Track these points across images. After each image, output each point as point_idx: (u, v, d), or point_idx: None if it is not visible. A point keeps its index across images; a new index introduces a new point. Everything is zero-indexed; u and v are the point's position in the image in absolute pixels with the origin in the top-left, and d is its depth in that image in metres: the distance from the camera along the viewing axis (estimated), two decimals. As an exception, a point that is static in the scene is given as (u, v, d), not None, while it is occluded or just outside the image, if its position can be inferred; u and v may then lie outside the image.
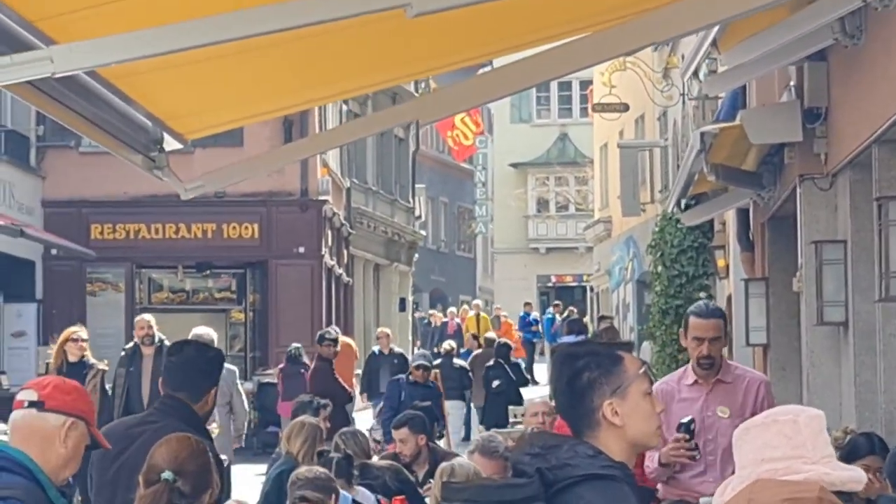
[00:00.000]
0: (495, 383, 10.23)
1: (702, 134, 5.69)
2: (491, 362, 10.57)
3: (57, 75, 1.97)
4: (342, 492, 3.88)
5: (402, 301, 19.46)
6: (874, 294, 4.15)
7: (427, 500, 4.33)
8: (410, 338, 19.54)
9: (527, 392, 10.50)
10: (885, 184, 4.06)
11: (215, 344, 6.12)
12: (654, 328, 10.74)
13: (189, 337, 5.57)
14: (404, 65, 3.05)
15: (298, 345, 10.10)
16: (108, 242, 13.52)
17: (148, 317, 7.12)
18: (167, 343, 6.82)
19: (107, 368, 6.66)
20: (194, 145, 3.22)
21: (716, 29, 4.20)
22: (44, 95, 2.19)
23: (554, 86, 27.97)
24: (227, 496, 5.30)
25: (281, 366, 10.12)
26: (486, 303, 23.84)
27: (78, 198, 13.41)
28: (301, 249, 13.67)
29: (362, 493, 4.24)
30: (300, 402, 6.28)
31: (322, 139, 6.01)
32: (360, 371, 11.16)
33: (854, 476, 1.60)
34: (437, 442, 6.68)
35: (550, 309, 21.82)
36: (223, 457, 2.99)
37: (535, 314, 20.79)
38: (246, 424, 7.18)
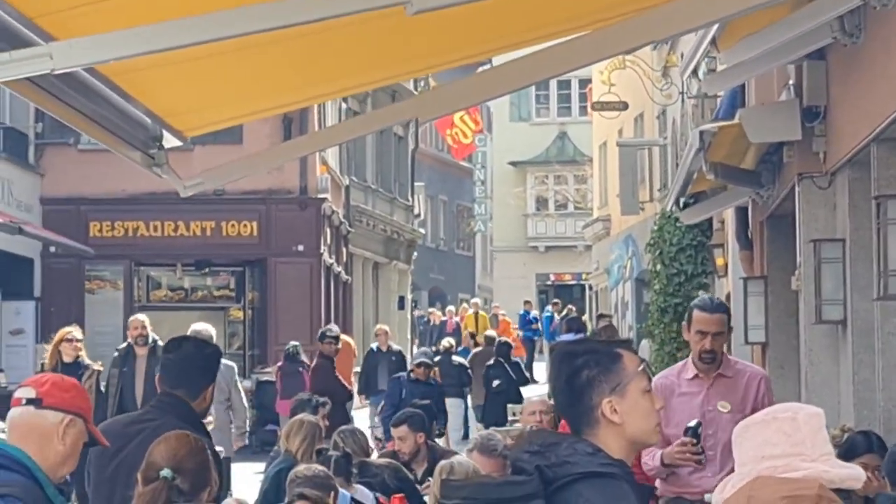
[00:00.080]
0: (496, 382, 10.23)
1: (701, 132, 5.69)
2: (491, 361, 10.57)
3: (56, 72, 1.97)
4: (341, 490, 3.88)
5: (401, 299, 19.47)
6: (872, 292, 4.15)
7: (426, 498, 4.33)
8: (409, 336, 19.54)
9: (526, 391, 10.51)
10: (884, 182, 4.07)
11: (214, 340, 6.11)
12: (653, 326, 10.75)
13: (188, 333, 5.55)
14: (404, 62, 3.05)
15: (296, 343, 10.10)
16: (107, 240, 13.51)
17: (142, 317, 7.09)
18: (161, 343, 6.81)
19: (102, 369, 6.64)
20: (194, 143, 3.22)
21: (715, 27, 4.20)
22: (43, 92, 2.19)
23: (553, 84, 27.97)
24: (227, 493, 5.30)
25: (279, 364, 10.12)
26: (486, 301, 23.84)
27: (77, 195, 13.40)
28: (300, 247, 13.67)
29: (361, 491, 4.24)
30: (299, 400, 6.28)
31: (321, 137, 6.01)
32: (358, 369, 11.16)
33: (853, 474, 1.61)
34: (438, 440, 6.69)
35: (549, 307, 21.83)
36: (219, 448, 2.98)
37: (534, 312, 20.78)
38: (248, 421, 7.13)
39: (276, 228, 13.72)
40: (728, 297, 8.09)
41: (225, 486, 5.48)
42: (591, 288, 22.66)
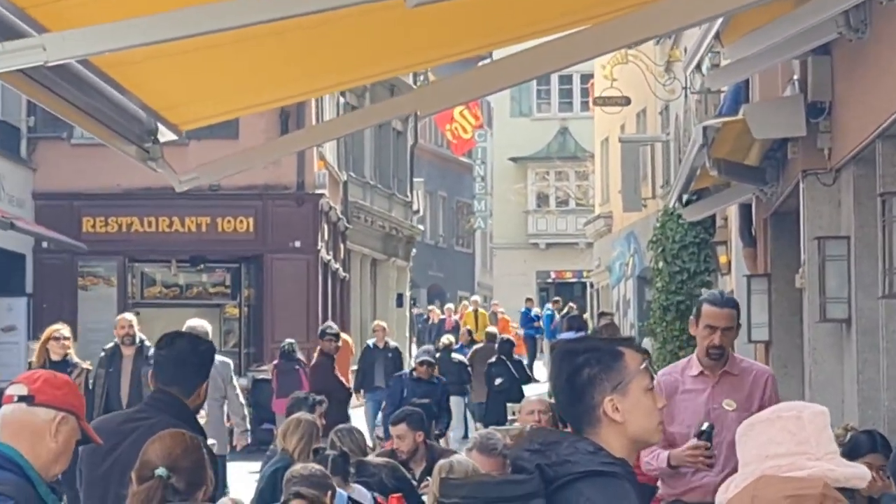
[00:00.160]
0: (498, 381, 10.22)
1: (704, 128, 5.69)
2: (493, 359, 10.56)
3: (49, 64, 1.96)
4: (338, 489, 3.89)
5: (400, 297, 19.46)
6: (877, 291, 4.15)
7: (424, 498, 4.33)
8: (408, 334, 19.54)
9: (528, 389, 10.51)
10: (890, 179, 4.07)
11: (210, 337, 6.10)
12: (655, 325, 10.75)
13: (183, 329, 5.54)
14: (403, 56, 3.04)
15: (292, 340, 10.10)
16: (101, 236, 13.49)
17: (129, 316, 7.07)
18: (148, 343, 6.80)
19: (91, 368, 6.62)
20: (189, 137, 3.21)
21: (719, 22, 4.20)
22: (36, 84, 2.19)
23: (554, 79, 27.95)
24: (223, 492, 5.30)
25: (275, 362, 10.12)
26: (485, 299, 23.84)
27: (70, 190, 13.39)
28: (297, 244, 13.66)
29: (358, 490, 4.24)
30: (295, 398, 6.29)
31: (319, 131, 6.00)
32: (355, 367, 11.16)
33: (858, 473, 1.61)
34: (439, 441, 6.68)
35: (549, 305, 21.85)
36: (211, 441, 2.98)
37: (536, 310, 20.80)
38: (247, 419, 7.09)
39: (273, 224, 13.71)
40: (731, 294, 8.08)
41: (220, 486, 5.48)
42: (592, 286, 22.67)
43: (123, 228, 13.64)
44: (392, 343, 10.94)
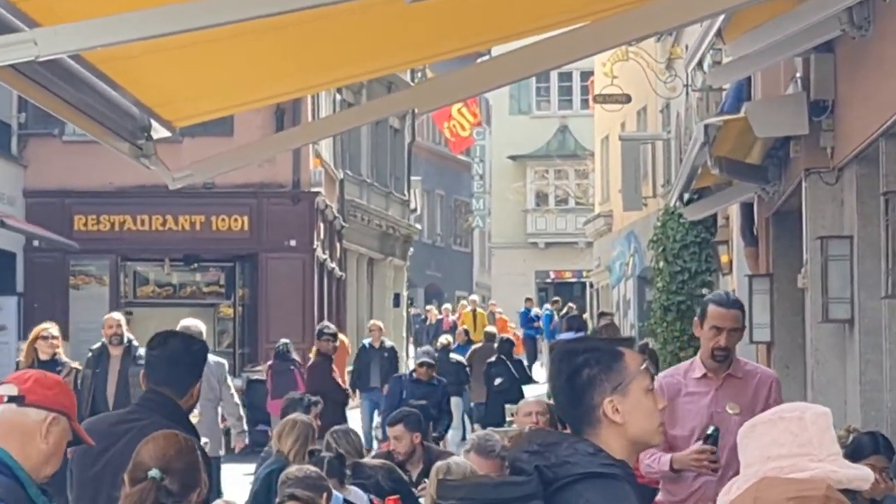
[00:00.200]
0: (497, 381, 10.20)
1: (705, 126, 5.70)
2: (493, 358, 10.55)
3: (41, 59, 1.96)
4: (334, 492, 3.89)
5: (397, 296, 19.46)
6: (880, 291, 4.16)
7: (421, 500, 4.33)
8: (404, 335, 19.55)
9: (528, 391, 10.49)
10: (893, 178, 4.07)
11: (204, 337, 6.10)
12: (656, 325, 10.76)
13: (177, 329, 5.53)
14: (401, 52, 3.04)
15: (287, 340, 10.09)
16: (93, 234, 13.48)
17: (117, 315, 7.05)
18: (136, 343, 6.79)
19: (80, 368, 6.60)
20: (183, 134, 3.20)
21: (721, 18, 4.21)
22: (27, 80, 2.18)
23: (554, 76, 27.96)
24: (216, 494, 5.30)
25: (270, 363, 10.11)
26: (483, 299, 23.84)
27: (61, 187, 13.37)
28: (292, 243, 13.66)
29: (354, 492, 4.24)
30: (290, 399, 6.29)
31: (315, 128, 6.00)
32: (351, 368, 11.17)
33: (861, 474, 1.61)
34: (439, 444, 6.65)
35: (547, 305, 21.86)
36: (204, 441, 2.97)
37: (536, 310, 20.81)
38: (244, 419, 7.07)
39: (268, 223, 13.71)
40: (732, 295, 8.08)
41: (214, 488, 5.48)
42: (591, 285, 22.69)
43: (116, 227, 13.63)
44: (388, 343, 10.94)
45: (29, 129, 13.46)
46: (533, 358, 18.11)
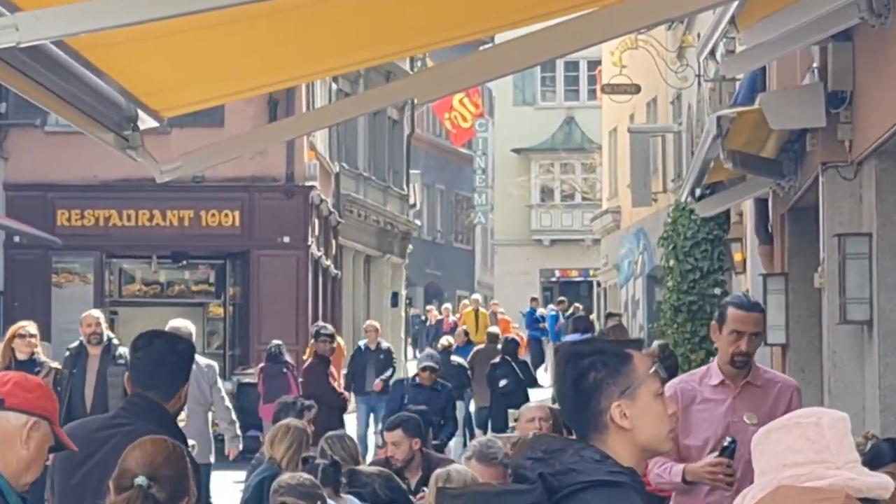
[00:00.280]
0: (502, 382, 10.18)
1: (718, 118, 5.69)
2: (497, 359, 10.52)
3: (22, 45, 1.96)
4: (329, 500, 3.89)
5: (395, 296, 19.48)
6: (901, 291, 4.15)
7: (419, 509, 4.33)
8: (403, 335, 19.57)
9: (533, 395, 10.48)
10: (915, 173, 4.07)
11: (193, 339, 6.09)
12: (666, 326, 10.76)
13: (166, 330, 5.52)
14: (400, 39, 3.04)
15: (280, 342, 10.10)
16: (76, 229, 13.49)
17: (96, 313, 7.03)
18: (115, 342, 6.77)
19: (60, 367, 6.60)
20: (171, 125, 3.21)
21: (734, 5, 4.20)
22: (7, 67, 2.18)
23: (560, 65, 27.96)
24: (206, 502, 5.29)
25: (262, 365, 10.12)
26: (486, 298, 23.88)
27: (43, 181, 13.38)
28: (286, 239, 13.67)
29: (350, 501, 4.24)
30: (282, 403, 6.29)
31: (310, 119, 6.00)
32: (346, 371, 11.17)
33: (882, 482, 1.61)
34: (443, 451, 6.63)
35: (552, 305, 21.87)
36: (191, 442, 2.97)
37: (541, 310, 20.80)
38: (237, 424, 7.07)
39: (260, 218, 13.72)
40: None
41: (203, 496, 5.48)
42: (599, 285, 22.70)
43: (101, 222, 13.63)
44: (384, 344, 10.94)
45: (9, 119, 13.46)
46: (539, 361, 18.08)
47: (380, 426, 9.16)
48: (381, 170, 19.31)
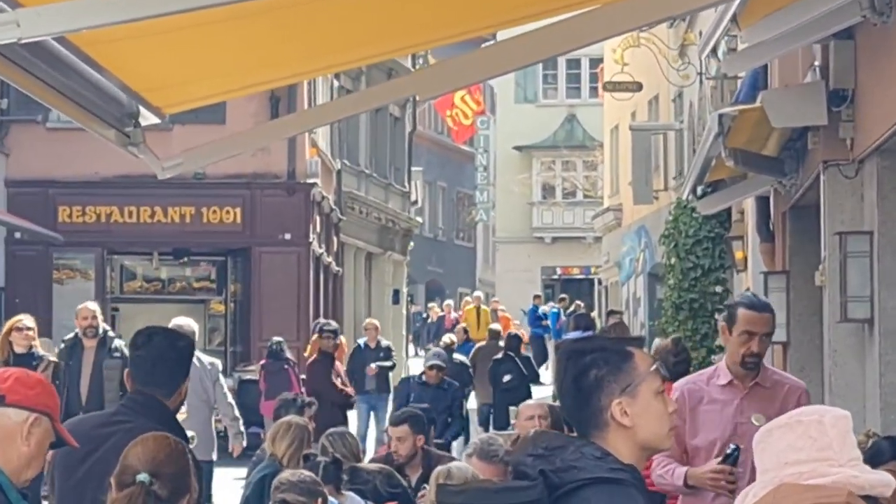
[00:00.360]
0: (506, 378, 10.16)
1: (720, 116, 5.69)
2: (500, 355, 10.51)
3: (23, 41, 1.95)
4: (330, 498, 3.89)
5: (396, 293, 19.48)
6: (903, 290, 4.15)
7: (420, 506, 4.34)
8: (404, 333, 19.57)
9: (536, 392, 10.46)
10: (917, 171, 4.07)
11: (196, 337, 6.08)
12: (667, 324, 10.76)
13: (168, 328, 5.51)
14: (401, 36, 3.04)
15: (280, 339, 10.10)
16: (78, 226, 13.49)
17: (92, 306, 6.93)
18: (111, 335, 6.74)
19: (58, 360, 6.57)
20: (173, 121, 3.21)
21: (736, 3, 4.19)
22: (9, 63, 2.18)
23: (562, 63, 27.95)
24: (207, 500, 5.30)
25: (263, 362, 10.12)
26: (487, 296, 23.88)
27: (45, 177, 13.38)
28: (287, 236, 13.67)
29: (351, 498, 4.25)
30: (283, 399, 6.29)
31: (311, 115, 5.99)
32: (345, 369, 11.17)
33: (884, 480, 1.61)
34: (449, 450, 6.62)
35: (553, 303, 21.87)
36: (190, 434, 2.97)
37: (544, 308, 20.79)
38: (240, 421, 7.05)
39: (262, 215, 13.72)
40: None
41: (205, 493, 5.48)
42: (600, 282, 22.71)
43: (102, 218, 13.63)
44: (384, 342, 10.94)
45: (11, 115, 13.46)
46: (542, 358, 18.00)
47: (383, 424, 9.16)
48: (382, 167, 19.30)
